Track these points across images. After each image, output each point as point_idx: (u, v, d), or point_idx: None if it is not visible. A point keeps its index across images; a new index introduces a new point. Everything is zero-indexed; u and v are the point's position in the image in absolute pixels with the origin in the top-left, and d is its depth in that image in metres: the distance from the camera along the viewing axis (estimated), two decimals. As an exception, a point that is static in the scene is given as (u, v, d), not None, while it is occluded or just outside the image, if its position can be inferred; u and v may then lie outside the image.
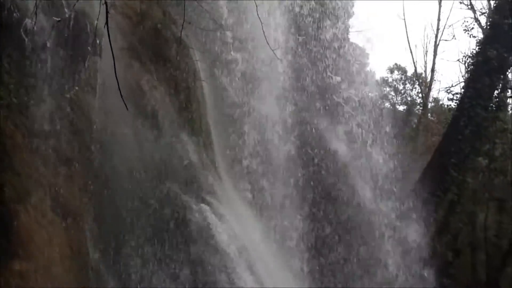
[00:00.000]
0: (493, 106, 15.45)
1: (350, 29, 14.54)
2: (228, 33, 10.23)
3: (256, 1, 6.59)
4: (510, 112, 19.42)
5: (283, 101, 11.26)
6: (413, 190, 14.73)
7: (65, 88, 7.00)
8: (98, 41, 7.12)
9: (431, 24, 31.83)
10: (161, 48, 8.75)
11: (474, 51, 16.07)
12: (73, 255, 6.48)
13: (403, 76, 27.35)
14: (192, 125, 8.91)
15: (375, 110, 12.97)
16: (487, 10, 18.31)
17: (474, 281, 16.98)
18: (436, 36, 24.56)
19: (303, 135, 11.75)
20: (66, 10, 6.92)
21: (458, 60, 19.83)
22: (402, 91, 26.82)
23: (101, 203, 7.09)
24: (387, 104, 14.63)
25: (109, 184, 7.27)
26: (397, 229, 12.42)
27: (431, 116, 24.67)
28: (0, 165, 6.06)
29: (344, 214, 11.93)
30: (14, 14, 6.51)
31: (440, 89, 27.14)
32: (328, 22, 12.50)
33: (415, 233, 12.61)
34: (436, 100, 25.46)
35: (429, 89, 25.11)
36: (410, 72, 26.75)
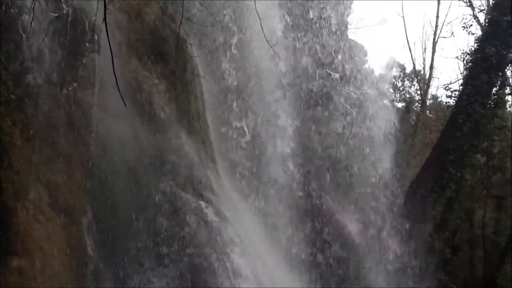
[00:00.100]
0: (492, 103, 15.45)
1: (348, 26, 14.53)
2: (227, 29, 10.20)
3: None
4: (509, 109, 19.46)
5: (282, 99, 11.24)
6: (411, 186, 14.77)
7: (63, 85, 6.99)
8: (96, 38, 7.10)
9: (430, 21, 31.84)
10: (160, 45, 8.72)
11: (473, 48, 16.07)
12: (71, 251, 6.47)
13: (401, 73, 27.34)
14: (190, 122, 8.90)
15: (373, 107, 12.97)
16: (485, 7, 18.32)
17: (472, 277, 17.04)
18: (435, 33, 24.55)
19: (302, 133, 11.74)
20: (64, 6, 6.90)
21: (457, 57, 19.88)
22: (401, 88, 26.81)
23: (99, 200, 7.09)
24: (385, 101, 14.60)
25: (108, 181, 7.26)
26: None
27: (430, 113, 24.67)
28: (-2, 161, 6.05)
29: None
30: (12, 10, 6.48)
31: (439, 86, 27.16)
32: (327, 19, 12.48)
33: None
34: (435, 97, 25.48)
35: (428, 86, 25.12)
36: (408, 69, 26.74)
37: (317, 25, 12.39)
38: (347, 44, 12.89)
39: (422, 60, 25.95)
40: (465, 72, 17.00)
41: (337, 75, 12.59)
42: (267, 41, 6.25)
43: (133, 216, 7.43)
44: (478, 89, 14.89)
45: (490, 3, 17.39)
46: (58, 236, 6.38)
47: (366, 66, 13.85)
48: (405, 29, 30.98)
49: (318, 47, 12.36)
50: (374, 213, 12.31)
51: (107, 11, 4.34)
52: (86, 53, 7.03)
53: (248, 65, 10.56)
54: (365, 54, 13.86)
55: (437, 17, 24.28)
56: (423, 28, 34.74)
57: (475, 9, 18.75)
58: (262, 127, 10.78)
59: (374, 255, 12.08)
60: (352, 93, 12.75)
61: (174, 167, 8.12)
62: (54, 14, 6.70)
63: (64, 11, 6.87)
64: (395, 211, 12.67)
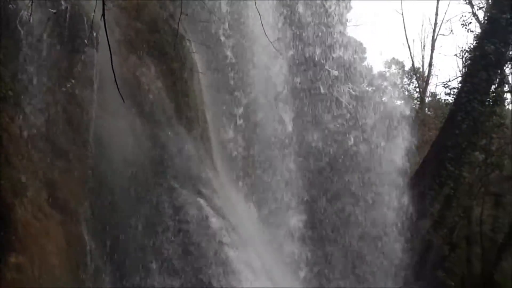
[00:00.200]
0: (490, 100, 15.45)
1: (347, 23, 14.51)
2: (226, 25, 10.18)
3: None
4: (507, 107, 19.47)
5: (281, 96, 11.24)
6: (409, 183, 14.78)
7: (61, 81, 6.97)
8: (94, 34, 7.08)
9: (429, 19, 31.87)
10: (158, 41, 8.70)
11: (472, 46, 16.04)
12: (69, 248, 6.48)
13: (400, 71, 27.34)
14: (189, 118, 8.88)
15: (372, 104, 12.98)
16: (484, 5, 18.27)
17: (469, 274, 17.09)
18: (434, 31, 24.50)
19: (301, 130, 11.75)
20: (62, 2, 6.88)
21: (456, 54, 19.82)
22: (400, 86, 26.79)
23: (98, 196, 7.08)
24: (384, 99, 14.60)
25: (106, 177, 7.25)
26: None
27: (428, 110, 24.67)
28: (-4, 158, 6.04)
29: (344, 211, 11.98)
30: (10, 5, 6.46)
31: (438, 84, 27.11)
32: (326, 16, 12.46)
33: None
34: (434, 95, 25.46)
35: (427, 84, 25.11)
36: (407, 66, 26.72)
37: (316, 22, 12.37)
38: (346, 42, 12.88)
39: (421, 57, 25.89)
40: (464, 70, 16.98)
41: (336, 72, 12.59)
42: (267, 37, 6.22)
43: (132, 213, 7.43)
44: (476, 86, 14.90)
45: (489, 1, 17.35)
46: (57, 233, 6.38)
47: (365, 63, 13.85)
48: (404, 27, 30.95)
49: (317, 44, 12.35)
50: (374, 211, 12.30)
51: (105, 8, 4.32)
52: (85, 49, 7.01)
53: (247, 61, 10.55)
54: (364, 52, 13.85)
55: (436, 14, 24.24)
56: (422, 25, 34.80)
57: (474, 6, 18.72)
58: (261, 124, 10.78)
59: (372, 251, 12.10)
60: (351, 90, 12.75)
61: (173, 164, 8.12)
62: (53, 11, 6.68)
63: (63, 8, 6.85)
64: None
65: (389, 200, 12.52)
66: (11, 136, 6.29)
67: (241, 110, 10.42)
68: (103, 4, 4.26)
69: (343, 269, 11.64)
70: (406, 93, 25.66)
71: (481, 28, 17.32)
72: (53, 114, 6.81)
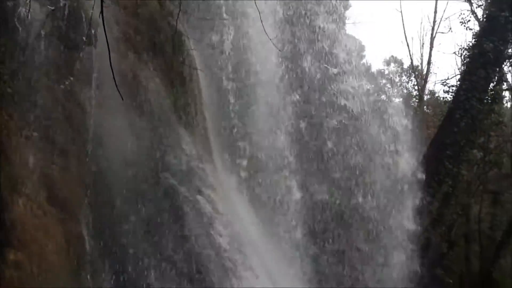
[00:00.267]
0: (489, 98, 15.50)
1: (346, 21, 14.50)
2: (225, 22, 10.17)
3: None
4: (506, 104, 19.51)
5: (279, 92, 11.23)
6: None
7: (60, 79, 6.95)
8: (93, 31, 7.06)
9: (428, 17, 31.89)
10: (157, 39, 8.68)
11: (470, 44, 16.08)
12: (68, 245, 6.47)
13: (399, 69, 27.38)
14: (188, 116, 8.87)
15: (370, 102, 12.96)
16: (483, 3, 18.29)
17: (468, 272, 17.16)
18: (433, 29, 24.55)
19: (299, 127, 11.74)
20: (60, -1, 6.86)
21: (454, 52, 19.82)
22: (398, 84, 26.83)
23: (97, 194, 7.07)
24: (383, 97, 14.62)
25: (105, 175, 7.24)
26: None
27: (427, 108, 24.70)
28: (-6, 155, 6.03)
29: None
30: (8, 2, 6.44)
31: (436, 82, 27.11)
32: (325, 13, 12.45)
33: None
34: (432, 93, 25.50)
35: (425, 82, 25.15)
36: (406, 64, 26.77)
37: (315, 19, 12.36)
38: (345, 39, 12.87)
39: (420, 55, 25.93)
40: (462, 68, 17.01)
41: (335, 70, 12.58)
42: (266, 34, 6.21)
43: (131, 212, 7.42)
44: (475, 84, 14.93)
45: (488, -1, 17.36)
46: (55, 230, 6.37)
47: (364, 61, 13.87)
48: (403, 25, 31.03)
49: (315, 41, 12.34)
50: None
51: (104, 5, 4.31)
52: (83, 46, 6.99)
53: (245, 58, 10.53)
54: (363, 49, 13.85)
55: (435, 12, 24.29)
56: (421, 23, 34.84)
57: (473, 4, 18.73)
58: (260, 120, 10.77)
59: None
60: (350, 88, 12.75)
61: (172, 162, 8.11)
62: (51, 7, 6.66)
63: (61, 4, 6.83)
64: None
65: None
66: (9, 134, 6.28)
67: (239, 107, 10.40)
68: (102, 1, 4.25)
69: None
70: (405, 91, 25.70)
71: (479, 26, 17.35)
72: (51, 111, 6.80)
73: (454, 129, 14.83)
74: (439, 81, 26.49)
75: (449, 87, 17.02)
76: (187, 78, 9.05)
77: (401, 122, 12.60)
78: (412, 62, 25.82)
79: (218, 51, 10.27)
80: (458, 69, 20.00)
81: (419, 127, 15.18)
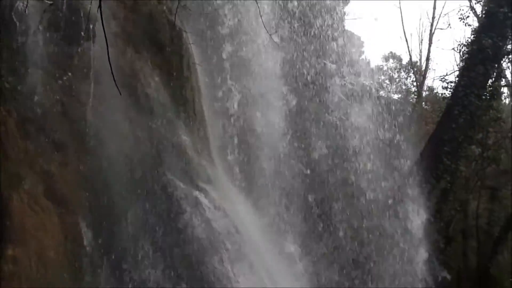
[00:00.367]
0: (487, 95, 15.51)
1: (345, 17, 14.48)
2: (224, 18, 10.14)
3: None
4: (504, 101, 19.53)
5: (278, 88, 11.22)
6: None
7: (58, 74, 6.93)
8: (91, 26, 7.03)
9: (427, 13, 31.86)
10: (156, 34, 8.65)
11: (469, 40, 16.06)
12: (66, 241, 6.47)
13: (398, 65, 27.39)
14: (186, 112, 8.86)
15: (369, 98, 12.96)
16: (482, -1, 18.26)
17: (465, 268, 17.22)
18: (432, 25, 24.56)
19: (297, 123, 11.74)
20: (58, -7, 6.83)
21: (453, 48, 19.85)
22: (397, 80, 26.87)
23: (96, 190, 7.06)
24: (381, 93, 14.63)
25: (103, 170, 7.23)
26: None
27: (426, 104, 24.73)
28: (-8, 151, 6.01)
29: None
30: (5, -3, 6.41)
31: (435, 78, 27.28)
32: (323, 9, 12.42)
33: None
34: (431, 89, 25.54)
35: (424, 78, 25.17)
36: (405, 60, 26.80)
37: (314, 14, 12.33)
38: (344, 35, 12.84)
39: (419, 51, 25.97)
40: (461, 64, 17.01)
41: (333, 66, 12.57)
42: (266, 29, 6.20)
43: (128, 207, 7.42)
44: (474, 80, 14.94)
45: (487, -5, 17.32)
46: (54, 226, 6.37)
47: (363, 57, 13.86)
48: (402, 21, 31.07)
49: (314, 37, 12.31)
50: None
51: (102, 0, 4.29)
52: (81, 42, 6.96)
53: (244, 54, 10.51)
54: (362, 45, 13.84)
55: (434, 8, 24.31)
56: (420, 19, 34.83)
57: (472, 0, 18.72)
58: (258, 116, 10.76)
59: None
60: (348, 84, 12.74)
61: (170, 157, 8.10)
62: (49, 2, 6.63)
63: (59, -1, 6.80)
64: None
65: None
66: (7, 129, 6.26)
67: (238, 103, 10.39)
68: (100, -4, 4.23)
69: None
70: (404, 87, 25.73)
71: (478, 22, 17.34)
72: (50, 107, 6.78)
73: (453, 125, 14.84)
74: (438, 77, 26.55)
75: (447, 83, 17.03)
76: (186, 72, 9.03)
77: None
78: (411, 58, 25.87)
79: (218, 46, 10.24)
80: (457, 65, 20.05)
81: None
